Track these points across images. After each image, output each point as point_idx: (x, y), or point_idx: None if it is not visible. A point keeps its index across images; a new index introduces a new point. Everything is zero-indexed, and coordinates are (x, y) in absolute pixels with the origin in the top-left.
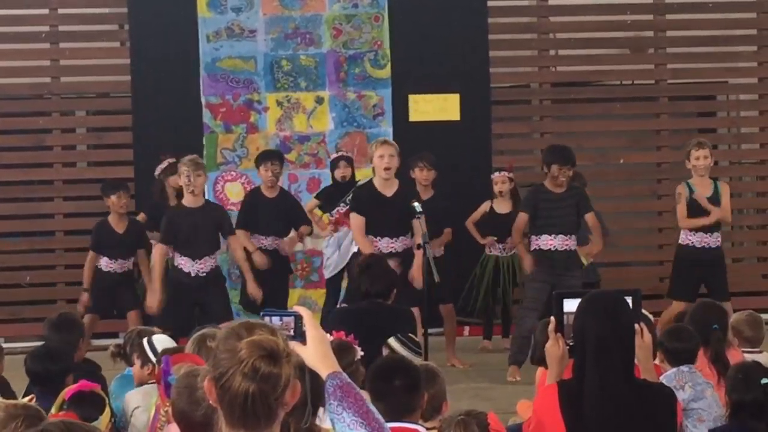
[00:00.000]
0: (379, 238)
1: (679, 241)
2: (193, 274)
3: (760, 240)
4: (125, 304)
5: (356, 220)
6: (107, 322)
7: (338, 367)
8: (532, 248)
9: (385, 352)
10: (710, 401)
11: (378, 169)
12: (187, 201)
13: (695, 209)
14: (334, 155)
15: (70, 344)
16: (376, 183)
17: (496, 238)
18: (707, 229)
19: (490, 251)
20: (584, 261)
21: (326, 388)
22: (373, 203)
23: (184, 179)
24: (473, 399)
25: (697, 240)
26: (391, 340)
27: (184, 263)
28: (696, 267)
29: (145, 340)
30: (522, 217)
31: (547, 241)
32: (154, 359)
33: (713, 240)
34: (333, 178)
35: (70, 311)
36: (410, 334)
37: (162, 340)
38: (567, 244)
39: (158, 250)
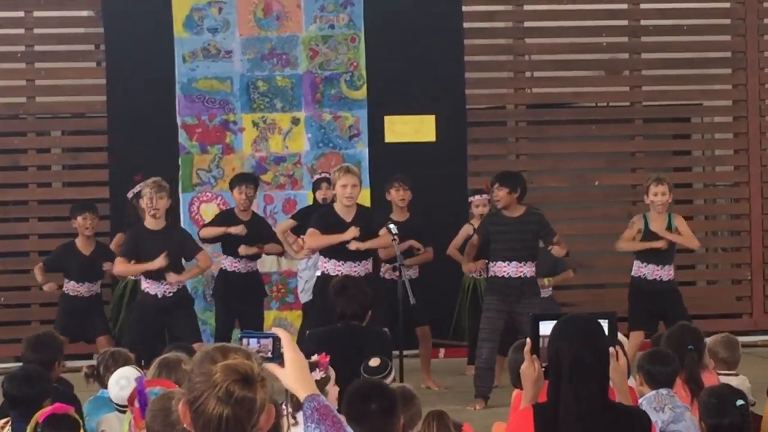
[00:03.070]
0: (341, 262)
1: (632, 273)
2: (159, 296)
3: (735, 262)
4: (94, 330)
5: (310, 230)
6: (81, 344)
7: (316, 390)
8: (489, 274)
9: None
10: (689, 424)
11: (340, 197)
12: (149, 223)
13: (648, 241)
14: (316, 176)
15: (47, 364)
16: (337, 208)
17: (487, 262)
18: (659, 261)
19: (480, 275)
20: (546, 282)
21: (304, 411)
22: (334, 228)
23: (147, 201)
24: None
25: (649, 272)
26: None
27: (150, 286)
28: (650, 299)
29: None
30: (474, 241)
31: (501, 268)
32: None
33: (665, 273)
34: (314, 198)
35: (48, 331)
36: (380, 356)
37: (128, 374)
38: (521, 271)
39: (120, 263)
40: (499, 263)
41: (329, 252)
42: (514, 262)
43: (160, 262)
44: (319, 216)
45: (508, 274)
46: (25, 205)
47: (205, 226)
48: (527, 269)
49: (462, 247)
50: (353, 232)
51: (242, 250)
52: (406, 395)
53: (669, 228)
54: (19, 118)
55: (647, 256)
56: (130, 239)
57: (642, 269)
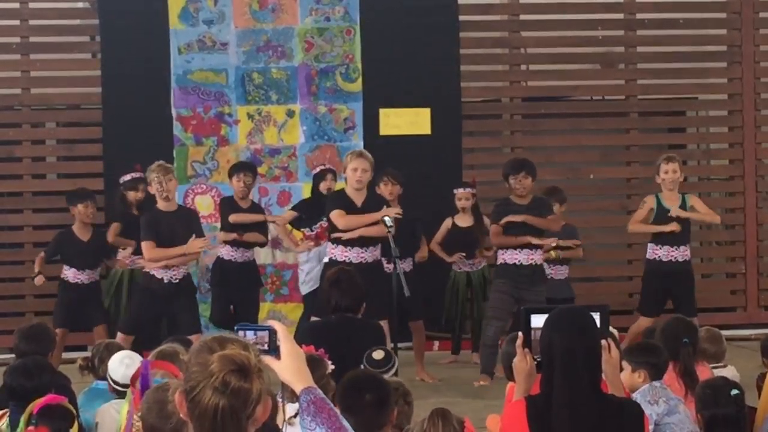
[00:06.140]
0: (349, 248)
1: (647, 256)
2: (165, 281)
3: (729, 256)
4: (93, 319)
5: (337, 212)
6: (74, 335)
7: (312, 382)
8: (498, 262)
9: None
10: (683, 417)
11: (350, 180)
12: (162, 206)
13: (662, 220)
14: (319, 168)
15: (40, 355)
16: (348, 192)
17: (464, 254)
18: (674, 242)
19: (460, 268)
20: (554, 254)
21: (300, 403)
22: (346, 210)
23: (156, 186)
24: None
25: (664, 254)
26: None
27: (157, 270)
28: (663, 281)
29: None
30: (495, 229)
31: (513, 255)
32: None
33: (680, 254)
34: (317, 190)
35: (41, 322)
36: (384, 349)
37: (131, 354)
38: (532, 258)
39: (149, 248)
40: (510, 251)
41: (338, 239)
42: (525, 250)
43: (197, 244)
44: (333, 200)
45: (519, 261)
46: (20, 197)
47: (228, 215)
48: (537, 256)
49: (444, 241)
50: (386, 212)
51: (221, 236)
52: (401, 389)
53: (683, 206)
54: (14, 110)
55: (661, 238)
56: (150, 222)
57: (657, 251)
